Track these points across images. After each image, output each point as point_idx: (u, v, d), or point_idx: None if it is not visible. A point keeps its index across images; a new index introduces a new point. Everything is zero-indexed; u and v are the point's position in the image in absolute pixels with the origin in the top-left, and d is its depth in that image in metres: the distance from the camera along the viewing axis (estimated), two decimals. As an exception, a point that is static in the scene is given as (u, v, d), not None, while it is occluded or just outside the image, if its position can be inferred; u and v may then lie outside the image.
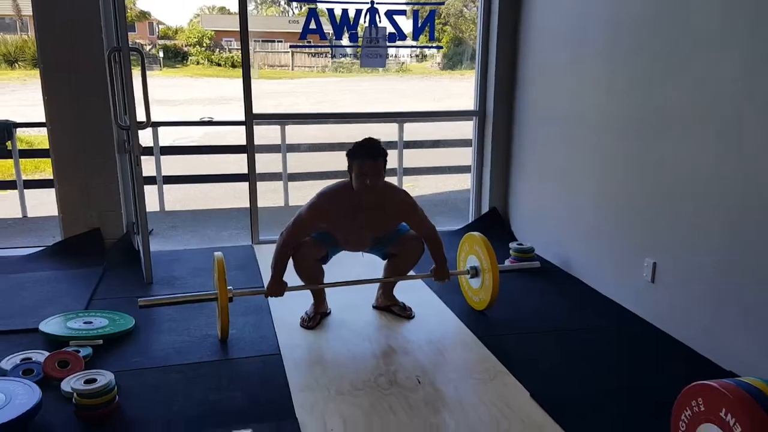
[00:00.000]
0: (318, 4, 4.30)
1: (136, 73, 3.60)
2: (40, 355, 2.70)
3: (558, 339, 3.04)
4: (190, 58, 29.61)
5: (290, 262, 3.02)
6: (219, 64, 28.95)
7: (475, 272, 3.29)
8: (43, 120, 4.02)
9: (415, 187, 6.75)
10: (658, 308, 3.16)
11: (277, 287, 2.97)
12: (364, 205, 2.92)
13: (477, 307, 3.33)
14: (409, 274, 3.25)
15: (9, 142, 5.13)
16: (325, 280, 3.16)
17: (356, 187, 2.86)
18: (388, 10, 4.28)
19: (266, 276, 3.76)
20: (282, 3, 33.55)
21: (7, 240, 4.82)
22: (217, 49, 30.10)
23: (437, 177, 6.62)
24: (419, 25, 4.38)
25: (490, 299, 3.18)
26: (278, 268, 2.97)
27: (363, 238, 3.07)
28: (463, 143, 5.35)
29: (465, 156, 5.06)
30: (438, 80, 24.36)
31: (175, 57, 29.49)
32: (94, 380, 2.35)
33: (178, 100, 16.40)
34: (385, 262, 3.26)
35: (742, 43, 2.56)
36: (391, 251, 3.18)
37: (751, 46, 2.51)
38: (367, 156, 2.81)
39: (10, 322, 3.12)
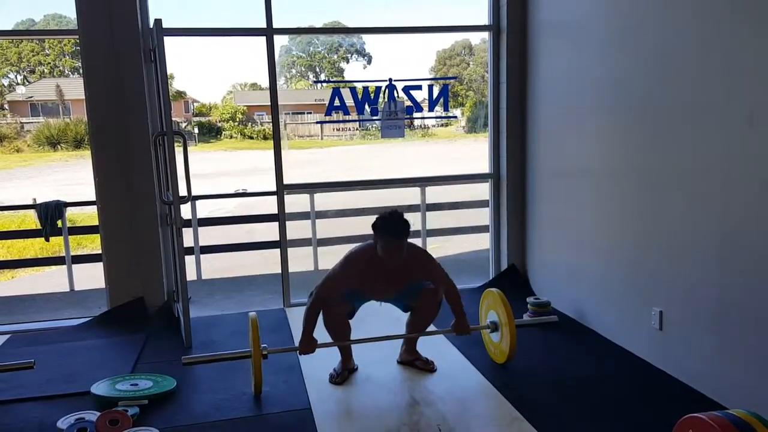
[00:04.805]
0: (341, 83, 4.68)
1: (178, 151, 3.95)
2: (92, 415, 2.95)
3: (571, 387, 3.20)
4: (223, 132, 30.81)
5: (320, 320, 3.26)
6: (251, 137, 30.08)
7: (494, 327, 3.46)
8: (88, 199, 4.37)
9: (441, 247, 6.97)
10: (666, 354, 3.29)
11: (309, 344, 3.21)
12: (388, 266, 3.18)
13: (498, 360, 3.49)
14: (430, 329, 3.45)
15: (59, 220, 5.54)
16: (352, 337, 3.38)
17: (381, 256, 3.12)
18: (405, 86, 4.65)
19: (298, 336, 3.98)
20: (311, 77, 34.97)
21: (57, 312, 5.15)
22: (249, 123, 31.29)
23: (460, 237, 6.85)
24: (434, 98, 4.73)
25: (509, 352, 3.35)
26: (309, 325, 3.22)
27: (388, 291, 3.34)
28: (482, 204, 5.58)
29: (484, 216, 5.29)
30: (463, 143, 24.92)
31: (210, 132, 30.73)
32: (142, 435, 2.60)
33: (213, 173, 17.09)
34: (407, 316, 3.48)
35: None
36: (411, 304, 3.40)
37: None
38: (393, 236, 3.04)
39: (64, 387, 3.38)
